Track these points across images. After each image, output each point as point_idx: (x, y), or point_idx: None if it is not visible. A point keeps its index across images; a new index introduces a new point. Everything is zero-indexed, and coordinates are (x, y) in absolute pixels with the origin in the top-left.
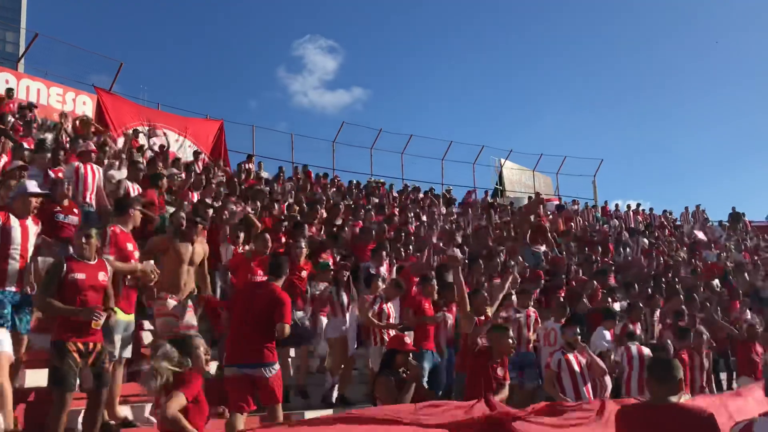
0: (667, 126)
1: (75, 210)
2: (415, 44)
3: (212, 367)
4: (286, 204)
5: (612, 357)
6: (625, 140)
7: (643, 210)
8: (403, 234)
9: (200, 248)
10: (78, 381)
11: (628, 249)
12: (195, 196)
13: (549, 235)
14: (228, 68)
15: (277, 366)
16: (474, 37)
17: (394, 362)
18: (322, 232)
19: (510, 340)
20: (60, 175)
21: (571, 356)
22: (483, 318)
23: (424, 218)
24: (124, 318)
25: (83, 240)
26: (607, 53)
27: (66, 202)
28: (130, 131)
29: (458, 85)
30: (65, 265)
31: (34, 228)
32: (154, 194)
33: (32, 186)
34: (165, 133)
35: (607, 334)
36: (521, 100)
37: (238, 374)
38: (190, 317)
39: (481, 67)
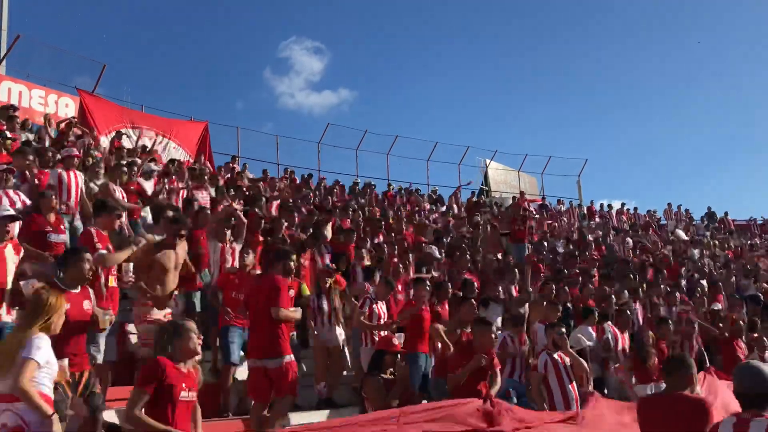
0: (651, 125)
1: (62, 226)
2: (402, 45)
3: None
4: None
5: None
6: (610, 140)
7: (628, 209)
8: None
9: (181, 251)
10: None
11: (614, 247)
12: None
13: (528, 225)
14: (213, 70)
15: (288, 358)
16: (459, 38)
17: (383, 363)
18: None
19: (492, 335)
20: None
21: (556, 356)
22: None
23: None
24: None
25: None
26: (593, 53)
27: (52, 217)
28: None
29: (444, 85)
30: None
31: (12, 256)
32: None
33: (3, 210)
34: (154, 138)
35: (591, 331)
36: (506, 100)
37: (254, 366)
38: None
39: (466, 67)
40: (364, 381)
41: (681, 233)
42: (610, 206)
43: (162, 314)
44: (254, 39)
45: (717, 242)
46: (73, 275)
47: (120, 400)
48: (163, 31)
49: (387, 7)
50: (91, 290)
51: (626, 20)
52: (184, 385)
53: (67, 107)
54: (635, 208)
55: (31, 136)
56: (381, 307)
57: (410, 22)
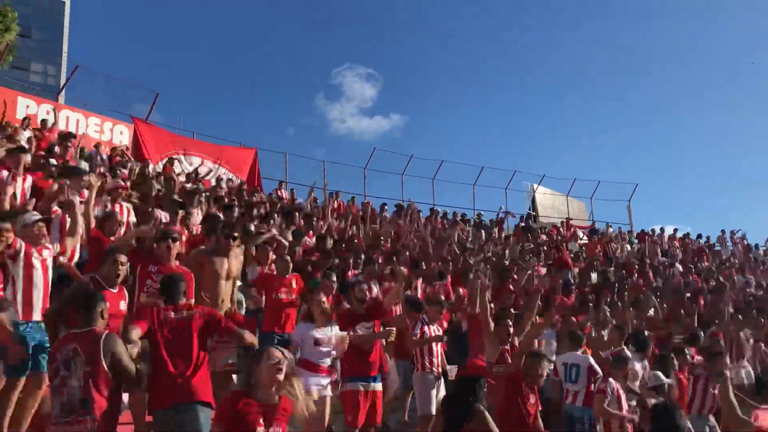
0: (705, 148)
1: None
2: (452, 71)
3: None
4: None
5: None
6: (661, 164)
7: (681, 236)
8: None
9: (236, 262)
10: None
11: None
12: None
13: (564, 254)
14: (266, 97)
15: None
16: (507, 63)
17: (480, 389)
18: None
19: (543, 368)
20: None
21: (617, 386)
22: (508, 347)
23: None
24: None
25: (117, 267)
26: (641, 75)
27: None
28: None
29: (492, 110)
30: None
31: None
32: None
33: (31, 217)
34: (203, 163)
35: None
36: (554, 124)
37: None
38: None
39: (514, 92)
40: (474, 413)
41: (736, 260)
42: (662, 229)
43: None
44: (306, 66)
45: None
46: (106, 274)
47: None
48: (215, 59)
49: (438, 34)
50: (126, 293)
51: (676, 42)
52: (261, 420)
53: (121, 134)
54: (686, 234)
55: (84, 164)
56: (434, 330)
57: (461, 49)
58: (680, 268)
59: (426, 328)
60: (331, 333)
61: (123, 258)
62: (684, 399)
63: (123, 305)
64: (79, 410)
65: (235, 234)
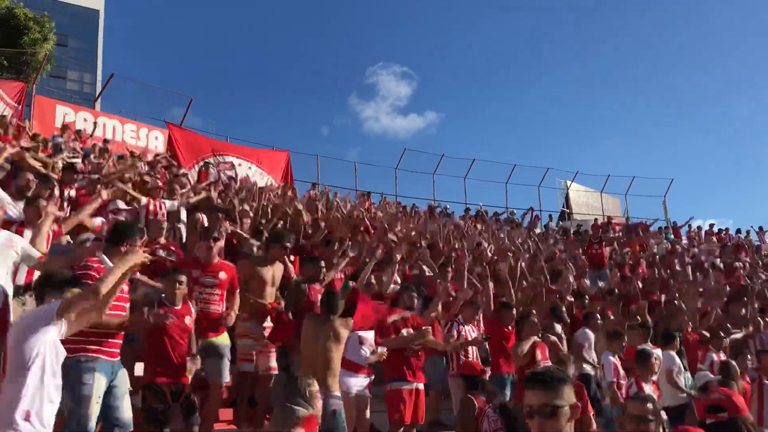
0: (745, 141)
1: (172, 248)
2: (487, 67)
3: None
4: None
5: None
6: (699, 159)
7: (719, 230)
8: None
9: (278, 269)
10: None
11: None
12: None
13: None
14: (300, 98)
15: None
16: (540, 60)
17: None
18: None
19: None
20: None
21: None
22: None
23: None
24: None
25: (175, 286)
26: (676, 69)
27: (162, 240)
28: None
29: (524, 107)
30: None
31: None
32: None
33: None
34: (234, 165)
35: (673, 355)
36: (587, 120)
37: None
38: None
39: (547, 88)
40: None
41: None
42: (699, 228)
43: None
44: (341, 66)
45: None
46: (167, 293)
47: (223, 422)
48: (248, 62)
49: (474, 31)
50: (192, 308)
51: (710, 33)
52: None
53: (156, 140)
54: (726, 229)
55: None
56: (468, 331)
57: (496, 46)
58: (719, 262)
59: (461, 328)
60: (372, 334)
61: (183, 278)
62: (749, 402)
63: (188, 320)
64: None
65: (287, 245)
